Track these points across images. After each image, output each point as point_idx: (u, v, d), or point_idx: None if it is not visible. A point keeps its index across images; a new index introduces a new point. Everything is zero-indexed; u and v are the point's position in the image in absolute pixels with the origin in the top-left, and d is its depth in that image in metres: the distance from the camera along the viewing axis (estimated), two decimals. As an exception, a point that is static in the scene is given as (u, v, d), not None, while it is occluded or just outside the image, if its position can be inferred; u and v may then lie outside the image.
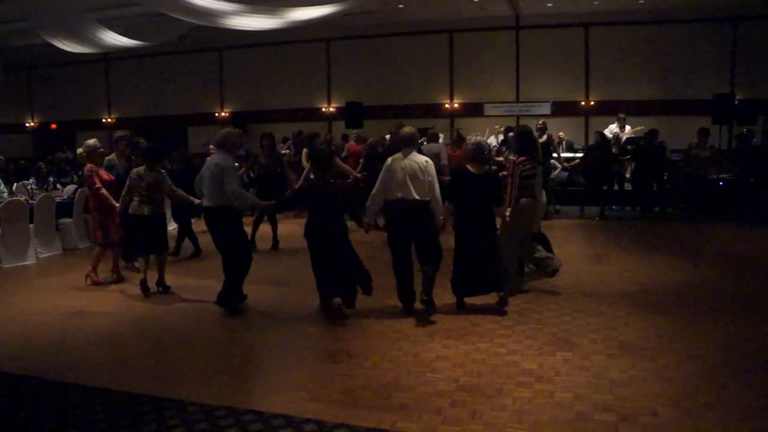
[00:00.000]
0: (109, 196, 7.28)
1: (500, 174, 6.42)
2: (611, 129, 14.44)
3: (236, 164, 6.66)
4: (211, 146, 9.20)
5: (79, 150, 7.84)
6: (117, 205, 7.09)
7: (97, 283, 7.31)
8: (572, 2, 16.04)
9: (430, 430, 3.58)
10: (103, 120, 21.95)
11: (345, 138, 14.30)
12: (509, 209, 6.13)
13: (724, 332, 5.22)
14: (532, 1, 16.13)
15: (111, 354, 5.10)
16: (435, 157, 10.07)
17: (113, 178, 7.61)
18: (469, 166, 5.85)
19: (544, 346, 4.92)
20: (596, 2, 15.96)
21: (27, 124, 23.25)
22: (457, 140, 11.96)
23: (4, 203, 8.85)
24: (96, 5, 13.04)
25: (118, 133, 16.56)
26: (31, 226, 8.85)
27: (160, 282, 6.97)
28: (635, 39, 16.48)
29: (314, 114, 19.37)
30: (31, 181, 11.27)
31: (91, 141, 7.69)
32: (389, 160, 5.87)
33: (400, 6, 15.97)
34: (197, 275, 7.76)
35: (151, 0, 12.04)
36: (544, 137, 11.89)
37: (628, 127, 14.44)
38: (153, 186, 6.82)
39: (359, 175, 10.67)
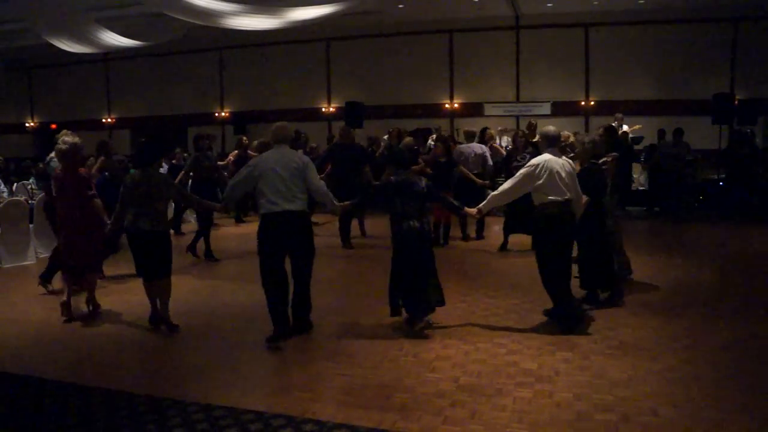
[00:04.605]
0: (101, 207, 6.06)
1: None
2: None
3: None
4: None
5: (76, 140, 6.03)
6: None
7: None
8: (572, 2, 16.01)
9: (430, 430, 3.59)
10: (103, 120, 21.92)
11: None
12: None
13: (725, 332, 5.22)
14: (532, 1, 16.11)
15: (111, 354, 5.10)
16: (481, 158, 9.84)
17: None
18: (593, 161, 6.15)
19: (544, 346, 4.93)
20: (596, 2, 15.94)
21: (27, 124, 23.21)
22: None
23: (4, 203, 8.86)
24: (96, 5, 13.03)
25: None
26: (31, 226, 8.84)
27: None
28: (635, 39, 16.45)
29: (314, 114, 19.33)
30: (31, 181, 11.25)
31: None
32: (541, 159, 5.35)
33: (400, 6, 15.95)
34: (204, 278, 7.79)
35: (151, 0, 12.04)
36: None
37: (625, 127, 14.39)
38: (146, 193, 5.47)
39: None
